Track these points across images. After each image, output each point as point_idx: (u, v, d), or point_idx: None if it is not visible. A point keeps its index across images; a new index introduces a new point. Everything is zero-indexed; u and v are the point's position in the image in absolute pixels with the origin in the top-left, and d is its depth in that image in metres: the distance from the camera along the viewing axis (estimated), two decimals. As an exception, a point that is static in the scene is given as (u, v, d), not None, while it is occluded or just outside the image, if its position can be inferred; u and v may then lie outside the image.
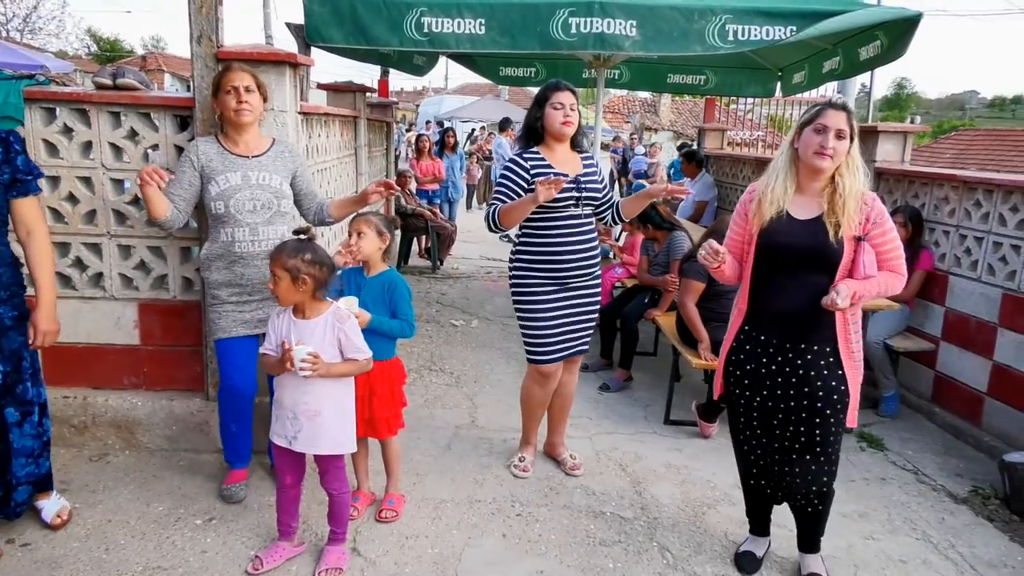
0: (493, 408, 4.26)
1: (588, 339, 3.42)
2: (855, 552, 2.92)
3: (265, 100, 2.99)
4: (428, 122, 23.57)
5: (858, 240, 2.43)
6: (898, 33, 4.41)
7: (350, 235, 2.82)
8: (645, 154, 14.41)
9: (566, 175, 3.08)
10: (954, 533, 3.20)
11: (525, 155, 3.19)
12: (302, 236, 2.47)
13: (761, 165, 7.23)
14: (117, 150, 3.30)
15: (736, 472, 3.60)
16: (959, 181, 4.44)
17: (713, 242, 2.54)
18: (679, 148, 12.23)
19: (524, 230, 3.23)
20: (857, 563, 2.91)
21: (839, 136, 2.38)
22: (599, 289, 3.39)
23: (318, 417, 2.49)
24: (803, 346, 2.51)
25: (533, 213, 3.12)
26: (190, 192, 2.89)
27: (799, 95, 7.15)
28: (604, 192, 3.30)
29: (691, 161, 7.78)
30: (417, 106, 33.92)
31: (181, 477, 3.27)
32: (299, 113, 3.44)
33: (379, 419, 2.90)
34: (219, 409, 3.09)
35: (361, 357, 2.53)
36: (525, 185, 3.12)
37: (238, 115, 2.86)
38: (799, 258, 2.47)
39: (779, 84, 6.96)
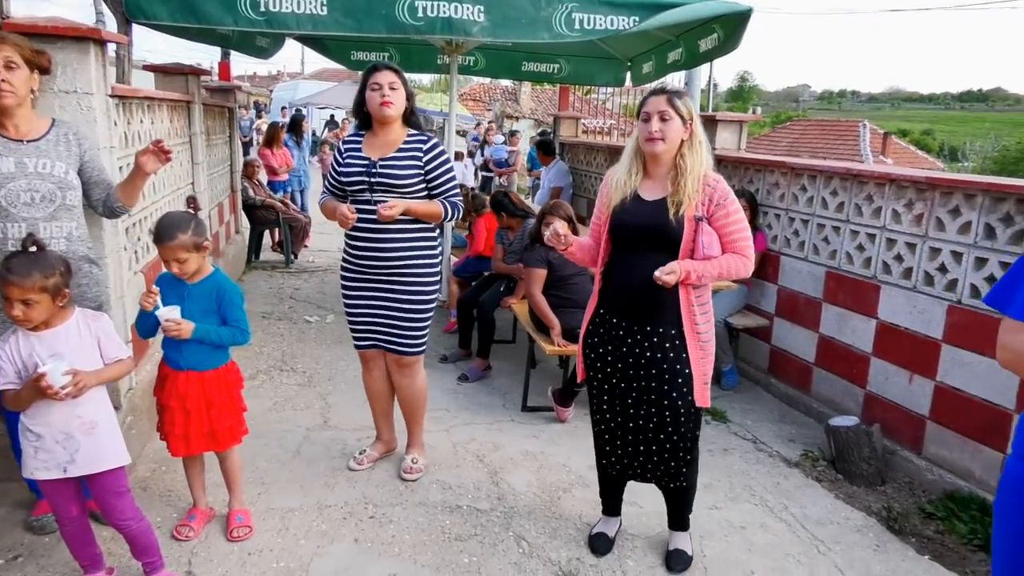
0: (347, 407, 4.10)
1: (402, 340, 3.18)
2: (700, 522, 3.05)
3: (45, 73, 2.62)
4: (284, 108, 22.48)
5: (698, 220, 2.48)
6: (732, 27, 4.65)
7: (168, 264, 2.53)
8: (505, 142, 14.49)
9: (366, 160, 3.05)
10: (787, 496, 3.43)
11: (347, 139, 3.18)
12: (32, 248, 2.15)
13: (614, 152, 7.47)
14: None
15: (591, 454, 3.70)
16: (787, 168, 4.75)
17: (557, 224, 2.61)
18: (539, 135, 12.40)
19: None
20: (703, 533, 3.04)
21: (663, 118, 2.46)
22: (417, 288, 3.12)
23: (96, 429, 2.23)
24: (648, 328, 2.57)
25: (348, 198, 3.10)
26: None
27: (649, 84, 7.41)
28: (433, 181, 3.07)
29: (544, 149, 7.95)
30: (271, 91, 32.36)
31: (-19, 510, 2.89)
32: (111, 96, 3.10)
33: (220, 430, 2.69)
34: (7, 425, 2.68)
35: (125, 355, 2.34)
36: (337, 169, 3.12)
37: None
38: (641, 236, 2.53)
39: (629, 74, 7.17)
